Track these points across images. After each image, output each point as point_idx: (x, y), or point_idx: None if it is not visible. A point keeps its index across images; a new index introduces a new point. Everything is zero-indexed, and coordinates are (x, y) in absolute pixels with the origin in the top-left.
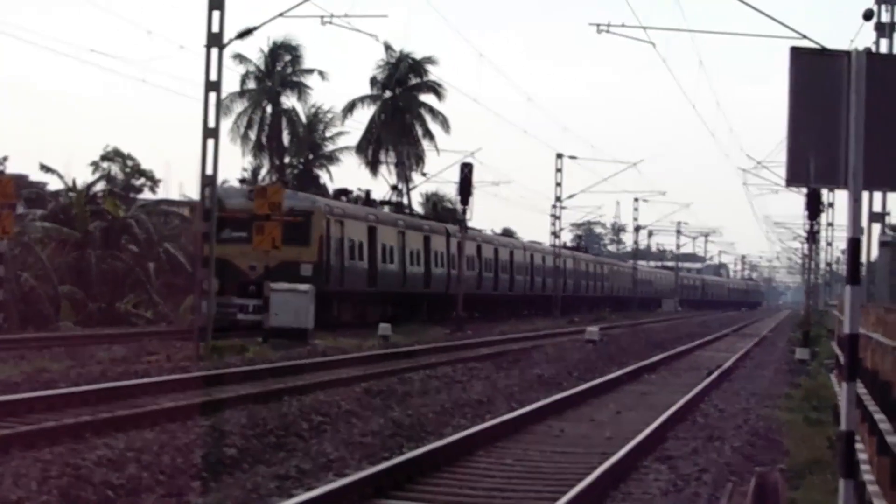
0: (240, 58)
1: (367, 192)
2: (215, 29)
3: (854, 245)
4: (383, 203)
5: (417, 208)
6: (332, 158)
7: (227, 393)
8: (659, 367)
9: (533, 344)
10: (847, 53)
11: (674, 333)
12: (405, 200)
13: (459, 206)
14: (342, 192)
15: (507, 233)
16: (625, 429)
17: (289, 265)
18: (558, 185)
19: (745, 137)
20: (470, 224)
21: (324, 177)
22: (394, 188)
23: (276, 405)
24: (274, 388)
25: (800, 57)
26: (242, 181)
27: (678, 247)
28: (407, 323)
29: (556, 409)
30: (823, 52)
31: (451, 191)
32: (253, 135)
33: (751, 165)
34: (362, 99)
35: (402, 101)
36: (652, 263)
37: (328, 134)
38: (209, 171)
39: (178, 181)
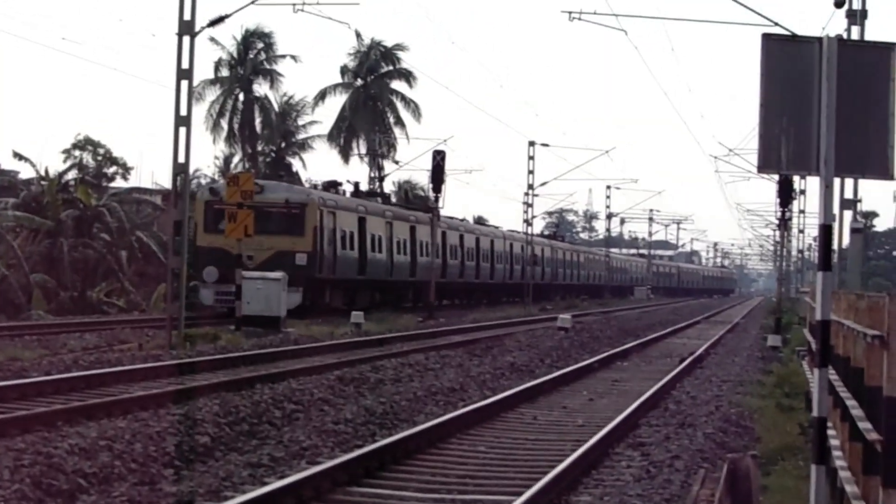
0: (213, 41)
1: (356, 185)
2: (187, 16)
3: (825, 232)
4: (371, 194)
5: (392, 197)
6: (304, 146)
7: (200, 381)
8: (631, 354)
9: (505, 332)
10: (818, 40)
11: (646, 321)
12: (377, 188)
13: (431, 194)
14: (332, 185)
15: (480, 221)
16: (597, 416)
17: (284, 254)
18: (530, 172)
19: (716, 125)
20: (442, 212)
21: (296, 165)
22: (379, 179)
23: (248, 393)
24: (246, 376)
25: (771, 43)
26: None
27: (650, 234)
28: (393, 310)
29: (528, 397)
30: (795, 39)
31: (423, 179)
32: (225, 123)
33: (723, 153)
34: (334, 87)
35: (374, 89)
36: (624, 251)
37: (300, 122)
38: (181, 159)
39: (150, 169)
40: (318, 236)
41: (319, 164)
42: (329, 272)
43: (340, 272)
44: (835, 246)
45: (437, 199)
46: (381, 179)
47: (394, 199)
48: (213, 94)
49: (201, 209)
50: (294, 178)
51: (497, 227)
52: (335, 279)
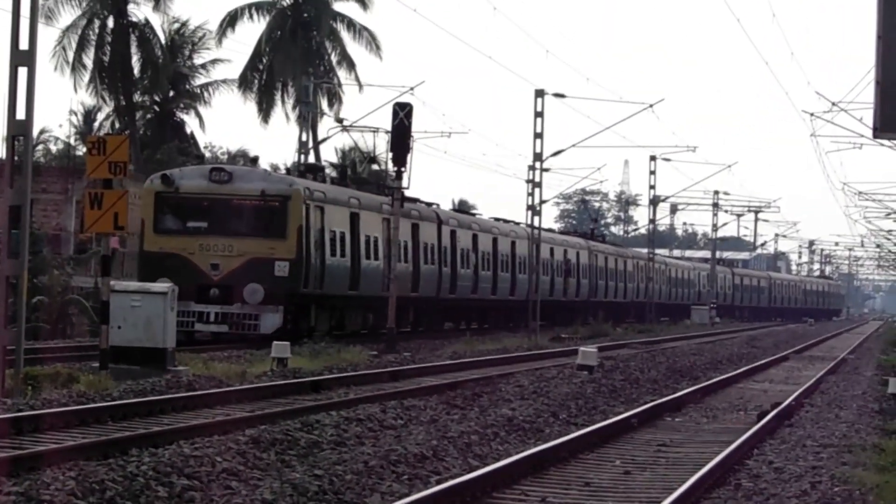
0: None
1: (343, 169)
2: None
3: None
4: (311, 169)
5: (338, 172)
6: (202, 97)
7: (47, 445)
8: (686, 405)
9: (500, 371)
10: None
11: (708, 356)
12: (311, 158)
13: (392, 168)
14: (312, 169)
15: (463, 206)
16: (636, 498)
17: (260, 263)
18: (538, 136)
19: (812, 68)
20: (408, 193)
21: (191, 123)
22: (314, 145)
23: (119, 463)
24: (117, 437)
25: None
26: (200, 157)
27: (715, 228)
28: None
29: (533, 468)
30: None
31: (380, 144)
32: (88, 60)
33: (822, 109)
34: (247, 8)
35: (308, 11)
36: (677, 253)
37: (197, 60)
38: (21, 114)
39: None
40: (303, 239)
41: (226, 123)
42: (316, 286)
43: (329, 286)
44: None
45: (399, 174)
46: (318, 145)
47: (333, 173)
48: (68, 16)
49: (150, 202)
50: (187, 143)
51: (518, 224)
52: (323, 295)
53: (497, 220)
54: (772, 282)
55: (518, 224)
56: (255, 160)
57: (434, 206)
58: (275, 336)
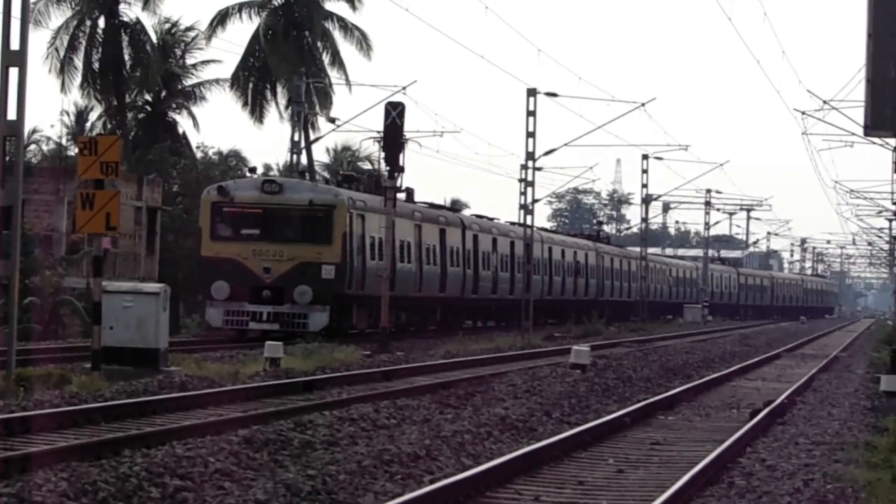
0: None
1: (377, 178)
2: None
3: None
4: (387, 188)
5: (331, 172)
6: (195, 96)
7: (39, 446)
8: (679, 403)
9: (494, 370)
10: None
11: (701, 355)
12: (304, 158)
13: (384, 167)
14: (349, 179)
15: (456, 206)
16: (629, 496)
17: (308, 266)
18: (530, 135)
19: (804, 67)
20: (400, 194)
21: (183, 123)
22: (307, 145)
23: (111, 464)
24: (109, 438)
25: None
26: (252, 170)
27: (707, 226)
28: (416, 332)
29: (527, 467)
30: None
31: (371, 144)
32: (79, 61)
33: (814, 107)
34: (238, 8)
35: (299, 11)
36: (670, 252)
37: (189, 60)
38: (11, 114)
39: None
40: (347, 244)
41: (218, 123)
42: (358, 287)
43: (370, 287)
44: None
45: (392, 173)
46: (310, 145)
47: (326, 173)
48: (59, 16)
49: (207, 212)
50: (179, 143)
51: (547, 230)
52: (363, 295)
53: (512, 223)
54: (774, 281)
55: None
56: (252, 170)
57: (458, 213)
58: (322, 333)
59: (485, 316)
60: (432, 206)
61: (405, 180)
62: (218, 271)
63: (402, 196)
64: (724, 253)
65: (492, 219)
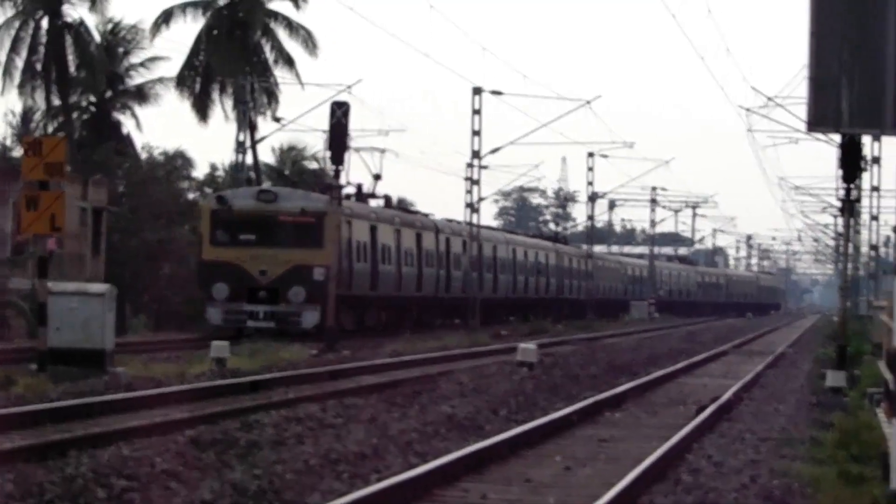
0: None
1: (359, 186)
2: None
3: None
4: (369, 196)
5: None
6: (141, 95)
7: None
8: (626, 400)
9: (441, 369)
10: None
11: (648, 352)
12: (249, 158)
13: (330, 166)
14: (331, 187)
15: (403, 204)
16: (576, 494)
17: (301, 269)
18: (476, 133)
19: (748, 64)
20: (379, 200)
21: (128, 124)
22: (376, 178)
23: (57, 464)
24: (55, 439)
25: None
26: (249, 181)
27: (653, 223)
28: (394, 330)
29: (474, 465)
30: None
31: (317, 142)
32: (20, 61)
33: (758, 104)
34: (183, 7)
35: (244, 10)
36: (615, 249)
37: (134, 60)
38: None
39: None
40: (337, 248)
41: (164, 123)
42: (345, 288)
43: (356, 288)
44: None
45: (337, 172)
46: (255, 144)
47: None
48: (0, 17)
49: (207, 219)
50: (124, 143)
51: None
52: (350, 295)
53: (457, 222)
54: (729, 279)
55: (496, 230)
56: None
57: (431, 216)
58: (314, 331)
59: (458, 314)
60: (408, 211)
61: (383, 187)
62: (218, 274)
63: (381, 202)
64: (668, 250)
65: (461, 222)
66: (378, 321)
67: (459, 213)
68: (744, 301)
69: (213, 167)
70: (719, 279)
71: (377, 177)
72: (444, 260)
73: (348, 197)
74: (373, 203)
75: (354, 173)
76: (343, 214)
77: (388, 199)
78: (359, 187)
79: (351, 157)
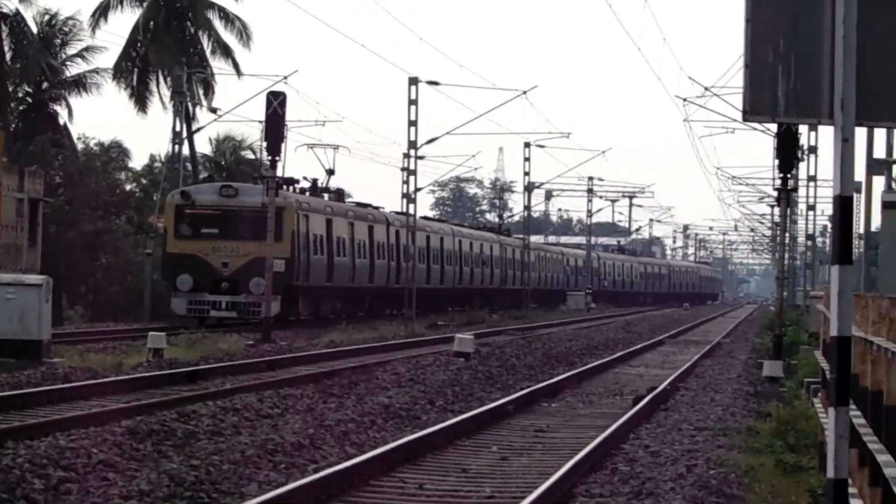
0: None
1: (314, 181)
2: None
3: (844, 206)
4: (323, 190)
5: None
6: (79, 86)
7: None
8: (563, 390)
9: (377, 359)
10: None
11: (584, 342)
12: (185, 149)
13: (266, 157)
14: (287, 182)
15: (340, 195)
16: (513, 483)
17: (262, 261)
18: (412, 124)
19: (685, 54)
20: (301, 187)
21: (64, 115)
22: (329, 172)
23: None
24: None
25: None
26: (210, 178)
27: (590, 214)
28: (350, 319)
29: (411, 455)
30: None
31: (254, 133)
32: None
33: (695, 94)
34: None
35: (181, 2)
36: (552, 239)
37: (71, 51)
38: None
39: None
40: (295, 241)
41: (101, 114)
42: (304, 279)
43: (313, 279)
44: (859, 228)
45: (274, 163)
46: (192, 135)
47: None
48: None
49: (171, 214)
50: (60, 134)
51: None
52: (308, 286)
53: (427, 218)
54: (671, 269)
55: (444, 222)
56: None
57: (382, 209)
58: (274, 319)
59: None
60: (359, 204)
61: (335, 182)
62: (182, 266)
63: (333, 197)
64: (606, 240)
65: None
66: (333, 310)
67: (396, 204)
68: (685, 291)
69: (153, 158)
70: (662, 269)
71: (330, 172)
72: (394, 252)
73: (303, 191)
74: (326, 197)
75: (304, 167)
76: (300, 209)
77: (340, 192)
78: (314, 182)
79: (296, 152)
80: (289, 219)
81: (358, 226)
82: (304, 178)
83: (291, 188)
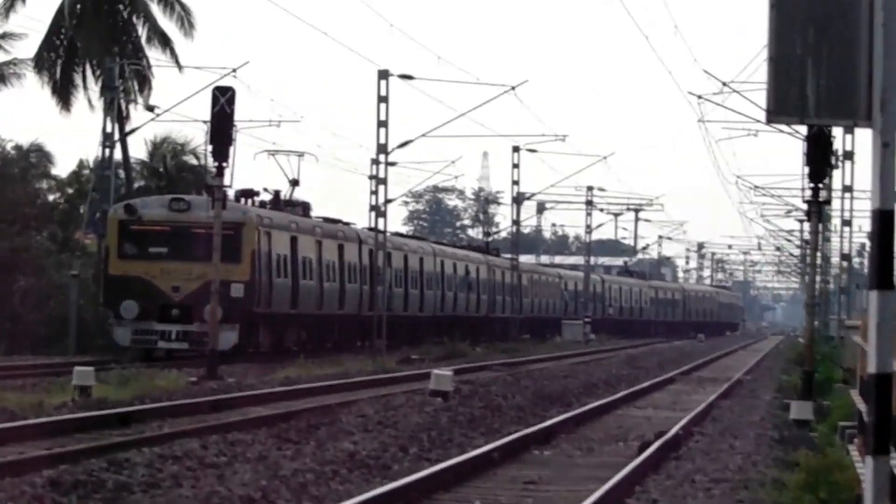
0: None
1: (277, 193)
2: None
3: (884, 221)
4: (287, 203)
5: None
6: None
7: None
8: (557, 436)
9: (341, 398)
10: None
11: (583, 379)
12: (118, 153)
13: (211, 162)
14: (247, 193)
15: (306, 209)
16: None
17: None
18: (382, 124)
19: (700, 44)
20: (232, 192)
21: None
22: (293, 183)
23: None
24: None
25: None
26: (146, 188)
27: (589, 229)
28: (316, 351)
29: None
30: None
31: (198, 135)
32: None
33: (712, 90)
34: None
35: None
36: (545, 259)
37: None
38: None
39: None
40: (255, 263)
41: (20, 111)
42: (265, 305)
43: (275, 305)
44: None
45: (220, 169)
46: (125, 136)
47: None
48: None
49: (115, 231)
50: None
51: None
52: (270, 314)
53: (403, 235)
54: (686, 294)
55: (423, 239)
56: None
57: (353, 226)
58: (231, 352)
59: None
60: (327, 220)
61: (300, 194)
62: (126, 290)
63: (298, 211)
64: (607, 260)
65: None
66: (298, 341)
67: (364, 218)
68: (703, 320)
69: (81, 164)
70: (675, 294)
71: (294, 182)
72: (367, 274)
73: (264, 205)
74: (290, 211)
75: (264, 178)
76: (262, 225)
77: (306, 206)
78: (276, 194)
79: (255, 160)
80: (248, 237)
81: (326, 244)
82: (265, 190)
83: (251, 201)
